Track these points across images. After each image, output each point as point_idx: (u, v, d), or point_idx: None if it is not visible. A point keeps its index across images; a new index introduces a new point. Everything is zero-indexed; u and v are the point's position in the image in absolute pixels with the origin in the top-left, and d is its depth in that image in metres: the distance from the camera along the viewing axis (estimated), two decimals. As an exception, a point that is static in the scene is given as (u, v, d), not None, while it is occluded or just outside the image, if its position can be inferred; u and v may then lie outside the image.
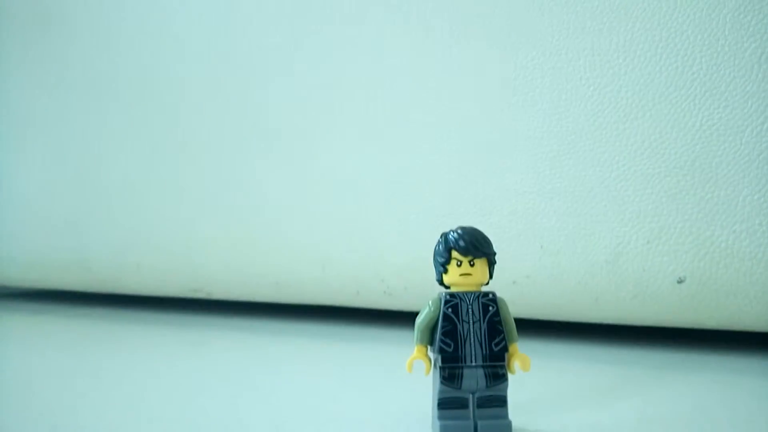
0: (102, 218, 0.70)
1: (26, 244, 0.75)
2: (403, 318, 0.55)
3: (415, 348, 0.31)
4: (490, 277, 0.32)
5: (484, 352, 0.31)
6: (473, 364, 0.31)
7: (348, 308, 0.61)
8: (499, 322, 0.31)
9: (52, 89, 0.74)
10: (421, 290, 0.53)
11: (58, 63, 0.73)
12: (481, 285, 0.32)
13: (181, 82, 0.66)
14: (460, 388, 0.31)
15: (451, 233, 0.31)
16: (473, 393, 0.31)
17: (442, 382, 0.31)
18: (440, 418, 0.31)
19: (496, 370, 0.31)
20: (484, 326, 0.31)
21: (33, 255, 0.75)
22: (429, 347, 0.32)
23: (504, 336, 0.31)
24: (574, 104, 0.48)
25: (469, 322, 0.31)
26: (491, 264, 0.32)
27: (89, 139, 0.71)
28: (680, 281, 0.45)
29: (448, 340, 0.31)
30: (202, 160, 0.65)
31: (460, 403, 0.31)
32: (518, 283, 0.50)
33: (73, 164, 0.72)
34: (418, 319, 0.32)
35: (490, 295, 0.31)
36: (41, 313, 0.73)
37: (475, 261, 0.31)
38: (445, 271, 0.31)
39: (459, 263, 0.31)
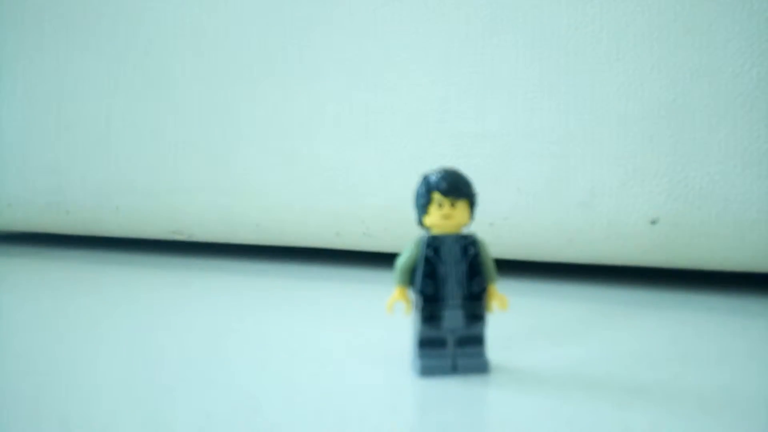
0: (81, 159, 0.69)
1: (3, 186, 0.74)
2: (383, 259, 0.56)
3: (396, 289, 0.32)
4: (471, 218, 0.32)
5: (464, 292, 0.31)
6: (453, 304, 0.31)
7: (328, 249, 0.61)
8: (479, 264, 0.31)
9: (29, 29, 0.71)
10: (401, 231, 0.53)
11: (35, 1, 0.71)
12: (462, 227, 0.32)
13: (162, 24, 0.64)
14: (439, 328, 0.31)
15: (432, 174, 0.31)
16: (452, 332, 0.31)
17: (422, 323, 0.31)
18: (420, 356, 0.31)
19: (475, 311, 0.31)
20: (464, 268, 0.31)
21: (10, 197, 0.74)
22: (409, 288, 0.32)
23: (483, 277, 0.31)
24: (552, 45, 0.48)
25: (449, 264, 0.31)
26: (472, 205, 0.32)
27: (68, 80, 0.69)
28: (654, 222, 0.46)
29: (428, 282, 0.31)
30: (183, 102, 0.64)
31: (440, 343, 0.31)
32: (495, 225, 0.50)
33: (51, 105, 0.71)
34: (399, 261, 0.32)
35: (471, 237, 0.32)
36: (19, 256, 0.72)
37: (456, 203, 0.31)
38: (426, 212, 0.31)
39: (440, 205, 0.31)
